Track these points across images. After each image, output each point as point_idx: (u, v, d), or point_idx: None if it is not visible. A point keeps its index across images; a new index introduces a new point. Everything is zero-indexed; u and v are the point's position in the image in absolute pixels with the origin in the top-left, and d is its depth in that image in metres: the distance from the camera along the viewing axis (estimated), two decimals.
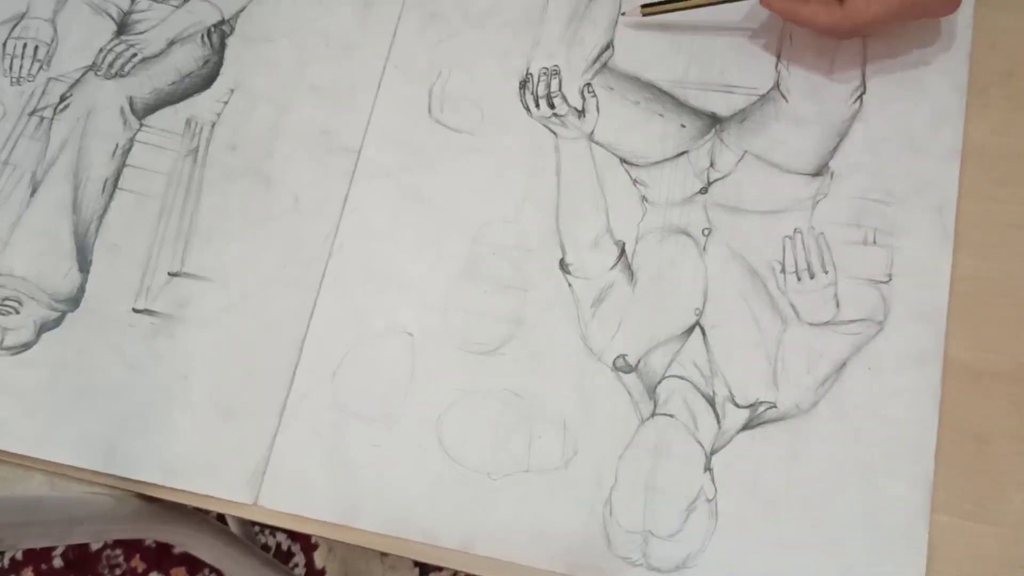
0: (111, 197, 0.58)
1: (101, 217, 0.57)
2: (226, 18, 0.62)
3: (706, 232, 0.53)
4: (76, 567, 1.18)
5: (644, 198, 0.54)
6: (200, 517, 0.63)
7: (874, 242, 0.52)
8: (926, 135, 0.53)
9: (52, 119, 0.60)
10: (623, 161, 0.56)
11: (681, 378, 0.51)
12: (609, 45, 0.58)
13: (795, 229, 0.53)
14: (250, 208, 0.57)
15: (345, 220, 0.56)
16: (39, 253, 0.57)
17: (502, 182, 0.56)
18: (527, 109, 0.57)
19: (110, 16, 0.63)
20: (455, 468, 0.50)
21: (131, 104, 0.60)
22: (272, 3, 0.62)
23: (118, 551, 1.18)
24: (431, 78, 0.59)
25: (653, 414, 0.50)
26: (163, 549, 1.17)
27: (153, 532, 0.59)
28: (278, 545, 1.17)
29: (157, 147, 0.59)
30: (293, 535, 1.17)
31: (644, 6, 0.56)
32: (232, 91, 0.60)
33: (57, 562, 1.18)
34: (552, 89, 0.57)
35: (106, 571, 1.17)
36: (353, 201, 0.56)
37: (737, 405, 0.50)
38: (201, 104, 0.60)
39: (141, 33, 0.62)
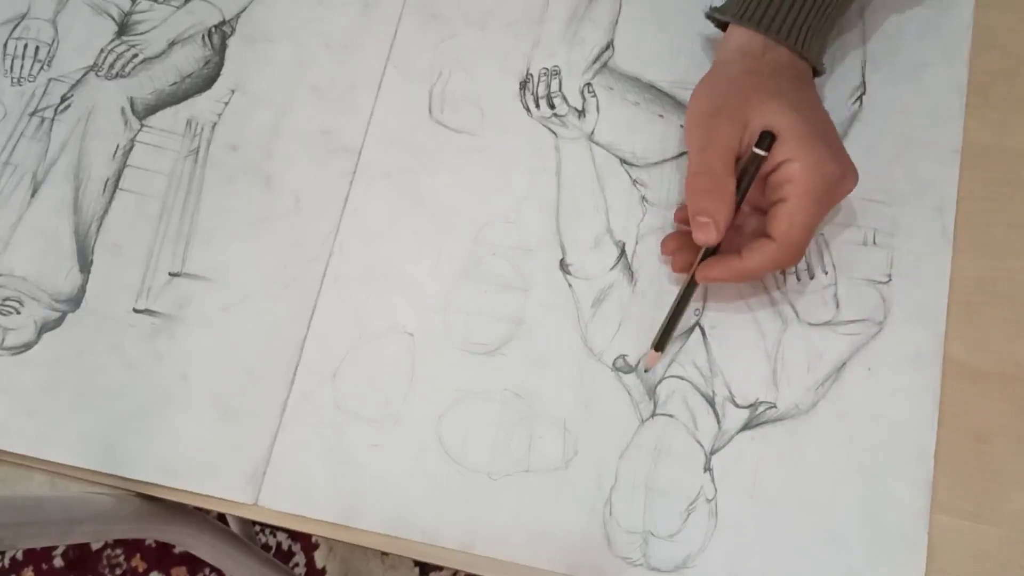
0: (112, 197, 0.58)
1: (102, 217, 0.58)
2: (227, 19, 0.62)
3: None
4: (76, 567, 1.18)
5: (644, 198, 0.55)
6: (200, 517, 0.63)
7: (874, 242, 0.52)
8: (926, 135, 0.53)
9: (53, 119, 0.60)
10: (623, 161, 0.56)
11: (681, 378, 0.51)
12: (609, 45, 0.58)
13: None
14: (250, 208, 0.57)
15: (345, 220, 0.56)
16: (40, 253, 0.57)
17: (502, 182, 0.56)
18: (527, 109, 0.57)
19: (111, 16, 0.63)
20: (455, 468, 0.50)
21: (132, 104, 0.60)
22: (273, 4, 0.62)
23: (119, 551, 1.18)
24: (431, 78, 0.59)
25: (653, 414, 0.50)
26: (164, 549, 1.17)
27: (153, 532, 0.59)
28: (278, 545, 1.17)
29: (158, 147, 0.59)
30: (293, 535, 1.17)
31: (655, 346, 0.50)
32: (233, 92, 0.60)
33: (57, 562, 1.18)
34: (552, 89, 0.57)
35: (107, 571, 1.17)
36: (353, 201, 0.56)
37: (737, 405, 0.50)
38: (202, 104, 0.60)
39: (142, 34, 0.62)
